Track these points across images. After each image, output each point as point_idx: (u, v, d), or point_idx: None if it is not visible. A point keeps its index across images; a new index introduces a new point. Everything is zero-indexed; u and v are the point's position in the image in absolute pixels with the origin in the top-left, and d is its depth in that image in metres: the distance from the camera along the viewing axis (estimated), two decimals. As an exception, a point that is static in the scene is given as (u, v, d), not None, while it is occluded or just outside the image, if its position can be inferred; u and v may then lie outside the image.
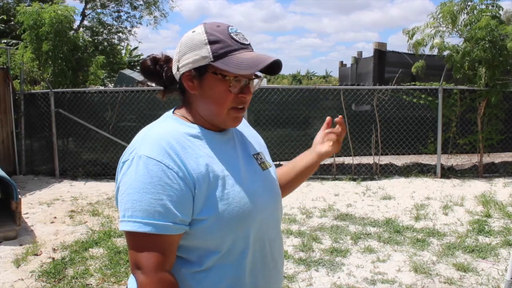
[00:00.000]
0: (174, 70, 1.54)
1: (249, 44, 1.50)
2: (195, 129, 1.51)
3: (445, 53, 9.03)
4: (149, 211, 1.33)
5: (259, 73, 1.53)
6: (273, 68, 1.51)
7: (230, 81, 1.45)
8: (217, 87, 1.46)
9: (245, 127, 1.76)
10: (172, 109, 1.61)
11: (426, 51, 9.24)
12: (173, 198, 1.35)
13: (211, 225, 1.40)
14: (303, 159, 1.92)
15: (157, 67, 1.60)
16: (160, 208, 1.33)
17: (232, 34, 1.46)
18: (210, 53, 1.43)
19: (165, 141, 1.41)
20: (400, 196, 7.75)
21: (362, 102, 9.49)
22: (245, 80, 1.48)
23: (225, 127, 1.56)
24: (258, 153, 1.69)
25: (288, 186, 1.92)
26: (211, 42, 1.44)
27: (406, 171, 9.40)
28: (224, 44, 1.44)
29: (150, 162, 1.36)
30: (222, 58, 1.43)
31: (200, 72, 1.46)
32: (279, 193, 1.71)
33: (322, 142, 1.90)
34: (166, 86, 1.62)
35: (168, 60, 1.61)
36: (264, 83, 26.93)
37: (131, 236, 1.36)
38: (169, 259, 1.38)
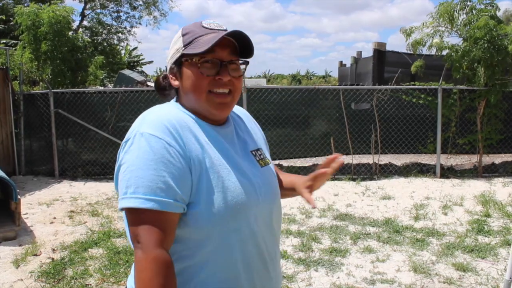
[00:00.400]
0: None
1: (223, 30, 1.54)
2: (194, 119, 1.53)
3: (444, 52, 9.03)
4: (151, 187, 1.33)
5: (242, 59, 1.56)
6: (244, 48, 1.55)
7: (197, 63, 1.48)
8: (190, 72, 1.50)
9: (249, 121, 1.79)
10: (175, 98, 1.65)
11: (425, 50, 9.26)
12: (174, 175, 1.36)
13: (203, 211, 1.40)
14: (292, 182, 1.88)
15: (165, 81, 1.66)
16: (162, 185, 1.34)
17: (203, 24, 1.54)
18: (182, 44, 1.52)
19: (167, 120, 1.43)
20: (399, 196, 7.74)
21: (362, 101, 9.48)
22: (219, 62, 1.49)
23: (213, 116, 1.56)
24: (258, 149, 1.69)
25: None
26: (183, 35, 1.54)
27: (405, 171, 9.40)
28: (192, 33, 1.52)
29: (152, 139, 1.37)
30: (190, 44, 1.50)
31: (177, 64, 1.54)
32: (277, 191, 1.70)
33: (314, 182, 1.77)
34: (169, 95, 1.69)
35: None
36: (263, 83, 26.94)
37: (133, 213, 1.36)
38: (168, 237, 1.37)
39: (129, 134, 1.44)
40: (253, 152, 1.65)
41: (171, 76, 1.58)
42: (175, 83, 1.57)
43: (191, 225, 1.41)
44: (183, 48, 1.51)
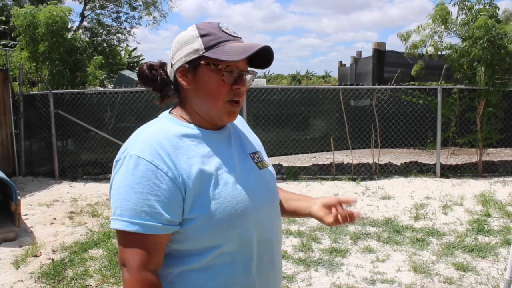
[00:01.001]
0: (168, 69, 1.57)
1: (240, 37, 1.52)
2: (189, 128, 1.51)
3: (443, 52, 9.03)
4: (136, 211, 1.35)
5: (252, 69, 1.55)
6: (264, 60, 1.54)
7: (222, 70, 1.46)
8: (210, 78, 1.47)
9: (243, 125, 1.77)
10: (169, 109, 1.61)
11: (424, 52, 9.24)
12: (160, 198, 1.36)
13: (202, 224, 1.40)
14: (301, 206, 1.86)
15: (153, 72, 1.60)
16: (147, 208, 1.35)
17: (222, 28, 1.50)
18: (202, 45, 1.46)
19: (156, 141, 1.42)
20: (399, 196, 7.74)
21: (361, 102, 9.48)
22: (238, 71, 1.48)
23: (221, 123, 1.56)
24: (255, 152, 1.68)
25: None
26: (202, 35, 1.47)
27: (405, 171, 9.39)
28: (214, 36, 1.47)
29: (139, 162, 1.37)
30: (213, 48, 1.45)
31: (193, 65, 1.48)
32: (276, 194, 1.70)
33: (327, 211, 1.74)
34: (161, 89, 1.61)
35: (162, 65, 1.62)
36: (263, 83, 26.90)
37: (120, 234, 1.38)
38: (154, 259, 1.39)
39: (120, 154, 1.45)
40: (251, 155, 1.65)
41: (180, 75, 1.51)
42: (185, 83, 1.51)
43: (191, 236, 1.43)
44: (204, 50, 1.45)
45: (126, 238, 1.37)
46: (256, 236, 1.52)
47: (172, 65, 1.53)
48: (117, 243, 5.27)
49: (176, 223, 1.40)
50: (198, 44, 1.46)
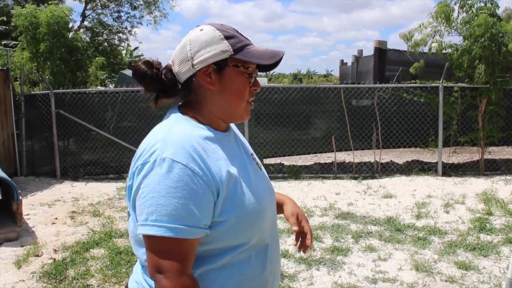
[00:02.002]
0: (182, 69, 1.52)
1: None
2: (208, 130, 1.50)
3: (445, 51, 9.02)
4: (175, 216, 1.32)
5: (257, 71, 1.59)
6: (271, 64, 1.56)
7: (252, 72, 1.52)
8: (238, 80, 1.50)
9: (235, 127, 1.79)
10: (177, 109, 1.58)
11: (426, 50, 9.22)
12: (197, 203, 1.35)
13: (230, 226, 1.43)
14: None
15: (154, 71, 1.53)
16: (185, 213, 1.33)
17: (239, 32, 1.54)
18: (230, 47, 1.47)
19: (189, 144, 1.40)
20: (401, 195, 7.72)
21: (362, 96, 9.46)
22: (256, 73, 1.55)
23: (240, 120, 1.61)
24: (252, 153, 1.72)
25: None
26: (227, 37, 1.49)
27: (407, 169, 9.37)
28: (238, 39, 1.50)
29: (175, 165, 1.34)
30: (241, 50, 1.48)
31: (220, 66, 1.49)
32: (274, 192, 1.76)
33: (295, 221, 1.80)
34: (165, 90, 1.56)
35: (160, 63, 1.57)
36: (264, 82, 26.88)
37: (154, 240, 1.35)
38: (190, 262, 1.39)
39: (148, 156, 1.39)
40: (252, 156, 1.70)
41: (203, 76, 1.49)
42: (208, 84, 1.50)
43: (218, 238, 1.44)
44: (233, 53, 1.47)
45: (162, 244, 1.34)
46: (270, 233, 1.59)
47: (192, 65, 1.49)
48: (122, 242, 5.33)
49: (208, 226, 1.40)
50: (225, 46, 1.47)
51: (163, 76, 1.53)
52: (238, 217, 1.43)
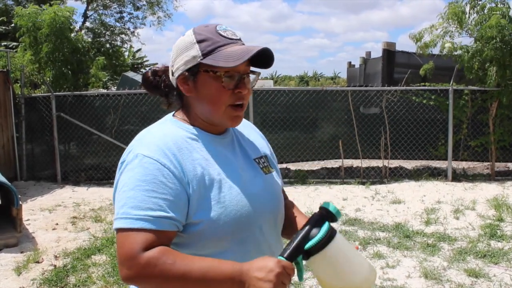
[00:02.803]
0: (170, 76, 1.57)
1: (239, 39, 1.51)
2: (193, 131, 1.52)
3: (456, 52, 8.91)
4: (141, 207, 1.33)
5: (255, 69, 1.54)
6: (264, 60, 1.52)
7: (221, 77, 1.45)
8: (210, 85, 1.47)
9: (249, 129, 1.77)
10: (173, 112, 1.63)
11: (435, 51, 9.15)
12: (166, 196, 1.35)
13: (207, 229, 1.40)
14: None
15: (156, 78, 1.62)
16: (152, 205, 1.33)
17: (220, 31, 1.48)
18: (199, 51, 1.46)
19: (162, 141, 1.43)
20: (410, 200, 7.64)
21: (371, 104, 9.36)
22: (239, 75, 1.47)
23: (225, 126, 1.57)
24: (260, 157, 1.67)
25: None
26: (199, 41, 1.47)
27: (416, 174, 9.28)
28: (211, 41, 1.46)
29: (145, 160, 1.38)
30: (210, 54, 1.45)
31: (193, 72, 1.48)
32: (281, 198, 1.69)
33: None
34: (166, 95, 1.63)
35: (166, 70, 1.62)
36: (270, 84, 26.87)
37: (123, 234, 1.34)
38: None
39: (126, 155, 1.46)
40: (257, 160, 1.65)
41: (180, 83, 1.51)
42: (185, 91, 1.52)
43: (196, 243, 1.42)
44: (202, 57, 1.45)
45: (129, 237, 1.33)
46: (261, 240, 1.53)
47: (172, 73, 1.54)
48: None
49: (180, 223, 1.38)
50: (196, 51, 1.46)
51: (162, 83, 1.62)
52: (215, 220, 1.40)
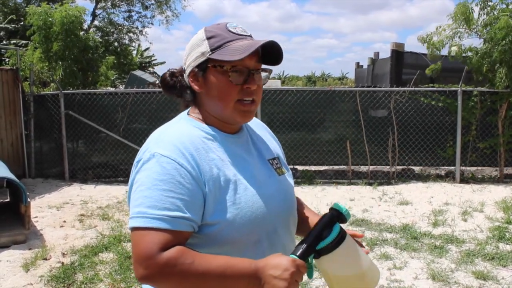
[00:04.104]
0: (184, 76, 1.59)
1: (249, 35, 1.52)
2: (209, 131, 1.52)
3: (464, 54, 8.86)
4: (158, 207, 1.33)
5: (266, 66, 1.54)
6: (274, 56, 1.52)
7: (228, 71, 1.46)
8: (218, 80, 1.48)
9: (262, 130, 1.77)
10: (187, 110, 1.63)
11: (444, 52, 9.10)
12: (183, 196, 1.35)
13: (222, 230, 1.40)
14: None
15: (174, 79, 1.63)
16: (169, 204, 1.33)
17: (229, 28, 1.50)
18: (208, 47, 1.48)
19: (179, 141, 1.43)
20: (417, 201, 7.61)
21: (379, 104, 9.32)
22: (247, 71, 1.47)
23: (235, 123, 1.56)
24: (274, 158, 1.68)
25: None
26: (208, 38, 1.49)
27: (424, 176, 9.24)
28: (220, 37, 1.48)
29: (163, 160, 1.38)
30: (218, 49, 1.46)
31: (202, 68, 1.49)
32: (295, 199, 1.71)
33: None
34: (182, 95, 1.63)
35: (182, 70, 1.63)
36: (278, 84, 26.82)
37: (138, 233, 1.34)
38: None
39: (142, 154, 1.46)
40: (270, 161, 1.65)
41: (191, 79, 1.53)
42: (196, 87, 1.53)
43: (212, 244, 1.42)
44: (210, 53, 1.47)
45: (145, 236, 1.32)
46: (276, 241, 1.54)
47: (184, 70, 1.57)
48: (130, 247, 5.28)
49: (196, 223, 1.38)
50: (205, 47, 1.48)
51: (178, 84, 1.62)
52: (230, 221, 1.41)
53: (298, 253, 1.38)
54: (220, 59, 1.44)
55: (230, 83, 1.46)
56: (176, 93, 1.63)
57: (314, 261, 1.44)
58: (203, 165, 1.41)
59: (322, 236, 1.41)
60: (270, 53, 1.50)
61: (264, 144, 1.69)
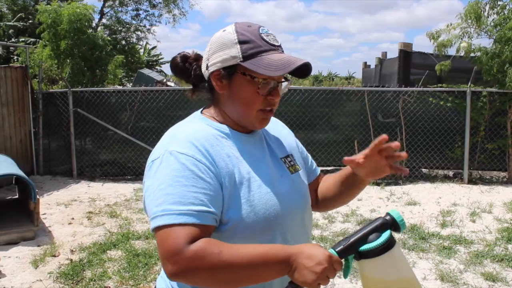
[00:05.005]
0: (203, 69, 1.55)
1: (279, 46, 1.50)
2: (223, 129, 1.52)
3: (473, 55, 8.82)
4: (182, 203, 1.31)
5: (288, 76, 1.54)
6: (302, 70, 1.51)
7: (259, 83, 1.45)
8: (245, 88, 1.47)
9: (276, 127, 1.76)
10: (201, 109, 1.62)
11: (452, 52, 9.05)
12: (206, 191, 1.34)
13: (235, 228, 1.39)
14: (341, 174, 1.77)
15: (186, 65, 1.60)
16: (193, 200, 1.32)
17: (262, 35, 1.47)
18: (240, 53, 1.44)
19: (194, 138, 1.42)
20: (425, 202, 7.58)
21: (387, 105, 9.27)
22: (274, 82, 1.48)
23: (253, 129, 1.57)
24: (287, 156, 1.67)
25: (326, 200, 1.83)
26: (241, 42, 1.45)
27: (431, 176, 9.21)
28: (254, 45, 1.45)
29: (181, 157, 1.36)
30: (251, 58, 1.44)
31: (229, 71, 1.47)
32: (308, 198, 1.68)
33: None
34: (194, 84, 1.63)
35: (197, 58, 1.61)
36: (285, 84, 26.79)
37: (164, 231, 1.30)
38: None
39: (156, 153, 1.44)
40: (283, 159, 1.64)
41: (215, 79, 1.50)
42: (218, 88, 1.51)
43: (225, 241, 1.37)
44: (242, 59, 1.44)
45: (171, 233, 1.29)
46: (289, 239, 1.52)
47: (207, 66, 1.52)
48: (139, 244, 5.28)
49: (218, 217, 1.37)
50: (236, 51, 1.45)
51: (192, 71, 1.59)
52: (244, 218, 1.40)
53: (338, 249, 1.34)
54: (253, 70, 1.42)
55: (257, 93, 1.46)
56: (187, 80, 1.63)
57: (353, 262, 1.39)
58: (219, 161, 1.41)
59: (368, 239, 1.36)
60: (298, 67, 1.46)
61: (277, 142, 1.68)
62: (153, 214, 1.33)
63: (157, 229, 1.31)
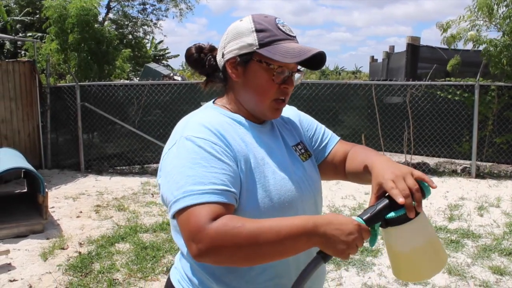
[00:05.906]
0: (218, 58, 1.57)
1: (295, 36, 1.52)
2: (235, 118, 1.53)
3: (482, 47, 8.75)
4: (204, 183, 1.30)
5: (301, 67, 1.55)
6: (316, 62, 1.52)
7: (274, 70, 1.46)
8: (261, 75, 1.48)
9: (287, 115, 1.75)
10: (212, 100, 1.63)
11: (461, 46, 9.00)
12: (226, 172, 1.34)
13: (249, 213, 1.38)
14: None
15: (201, 55, 1.62)
16: (215, 180, 1.31)
17: (279, 25, 1.49)
18: (256, 41, 1.46)
19: (209, 123, 1.42)
20: (432, 196, 7.39)
21: (394, 94, 9.25)
22: (288, 71, 1.49)
23: (265, 118, 1.57)
24: (298, 144, 1.67)
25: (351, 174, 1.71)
26: (257, 30, 1.47)
27: (439, 170, 9.16)
28: (270, 33, 1.47)
29: (198, 140, 1.37)
30: (267, 46, 1.45)
31: (245, 59, 1.48)
32: (319, 184, 1.69)
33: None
34: (208, 74, 1.64)
35: (212, 49, 1.63)
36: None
37: (187, 213, 1.28)
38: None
39: (172, 141, 1.44)
40: (294, 147, 1.64)
41: (230, 66, 1.51)
42: (234, 75, 1.51)
43: None
44: (258, 47, 1.45)
45: (194, 213, 1.27)
46: None
47: (223, 54, 1.53)
48: (147, 237, 5.31)
49: (238, 198, 1.37)
50: (253, 38, 1.46)
51: (207, 62, 1.61)
52: (259, 204, 1.41)
53: (365, 217, 1.31)
54: (269, 57, 1.43)
55: (272, 81, 1.47)
56: (201, 70, 1.64)
57: (380, 229, 1.36)
58: (235, 145, 1.42)
59: (396, 206, 1.31)
60: (312, 58, 1.47)
61: (288, 131, 1.69)
62: (174, 198, 1.31)
63: (179, 212, 1.29)
